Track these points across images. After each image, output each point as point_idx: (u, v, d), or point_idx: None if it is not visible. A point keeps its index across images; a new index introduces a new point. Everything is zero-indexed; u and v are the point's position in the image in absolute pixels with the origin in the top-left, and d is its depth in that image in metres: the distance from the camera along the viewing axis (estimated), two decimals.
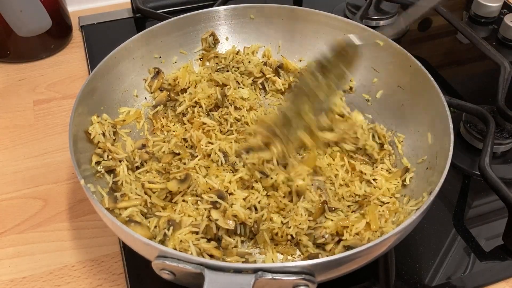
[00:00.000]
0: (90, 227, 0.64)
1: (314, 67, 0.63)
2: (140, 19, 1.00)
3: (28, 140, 0.76)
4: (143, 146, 0.68)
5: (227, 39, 0.81)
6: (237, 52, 0.80)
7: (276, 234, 0.58)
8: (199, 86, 0.73)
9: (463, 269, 0.59)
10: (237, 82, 0.75)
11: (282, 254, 0.58)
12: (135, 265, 0.59)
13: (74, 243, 0.63)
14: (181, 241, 0.55)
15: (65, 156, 0.73)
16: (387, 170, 0.65)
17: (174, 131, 0.70)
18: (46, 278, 0.59)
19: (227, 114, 0.71)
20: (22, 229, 0.64)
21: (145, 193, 0.61)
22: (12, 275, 0.60)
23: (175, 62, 0.78)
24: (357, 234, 0.56)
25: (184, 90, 0.74)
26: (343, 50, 0.62)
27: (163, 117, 0.72)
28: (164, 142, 0.69)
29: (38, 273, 0.60)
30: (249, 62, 0.77)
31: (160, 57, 0.76)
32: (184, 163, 0.65)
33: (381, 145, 0.68)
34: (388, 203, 0.61)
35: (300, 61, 0.80)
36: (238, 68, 0.77)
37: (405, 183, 0.63)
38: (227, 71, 0.77)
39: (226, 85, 0.73)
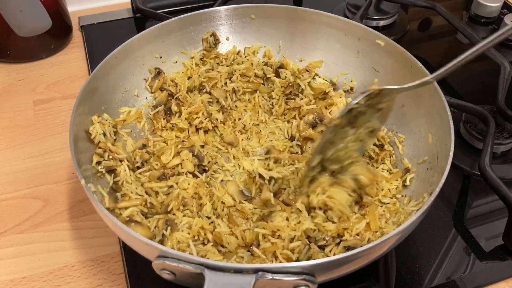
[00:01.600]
0: (90, 227, 0.64)
1: (345, 119, 0.56)
2: (140, 19, 1.00)
3: (28, 140, 0.76)
4: (144, 146, 0.68)
5: (228, 39, 0.81)
6: (238, 53, 0.79)
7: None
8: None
9: (463, 269, 0.60)
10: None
11: None
12: (135, 265, 0.59)
13: (74, 243, 0.63)
14: (178, 241, 0.55)
15: (65, 156, 0.73)
16: (387, 171, 0.65)
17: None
18: (46, 278, 0.59)
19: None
20: (22, 229, 0.64)
21: (146, 192, 0.61)
22: (12, 275, 0.60)
23: (176, 62, 0.78)
24: (357, 234, 0.56)
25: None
26: (377, 98, 0.57)
27: (163, 119, 0.72)
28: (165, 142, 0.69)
29: (38, 273, 0.60)
30: (251, 64, 0.77)
31: (160, 57, 0.76)
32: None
33: (381, 146, 0.68)
34: (388, 203, 0.61)
35: (301, 61, 0.80)
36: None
37: (405, 184, 0.63)
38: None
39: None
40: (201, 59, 0.79)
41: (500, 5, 0.99)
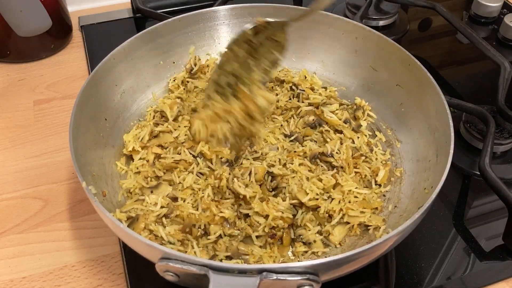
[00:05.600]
0: (90, 227, 0.64)
1: (242, 50, 0.62)
2: (140, 19, 1.00)
3: (28, 140, 0.76)
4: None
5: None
6: None
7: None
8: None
9: (463, 269, 0.60)
10: None
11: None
12: (135, 265, 0.59)
13: (74, 243, 0.63)
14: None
15: (65, 156, 0.73)
16: (381, 162, 0.65)
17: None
18: (46, 278, 0.59)
19: None
20: (22, 229, 0.64)
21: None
22: (12, 275, 0.60)
23: (174, 63, 0.78)
24: None
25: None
26: (270, 31, 0.61)
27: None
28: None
29: (38, 273, 0.60)
30: None
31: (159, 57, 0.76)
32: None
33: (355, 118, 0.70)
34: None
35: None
36: None
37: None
38: None
39: None
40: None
41: (500, 5, 0.99)
